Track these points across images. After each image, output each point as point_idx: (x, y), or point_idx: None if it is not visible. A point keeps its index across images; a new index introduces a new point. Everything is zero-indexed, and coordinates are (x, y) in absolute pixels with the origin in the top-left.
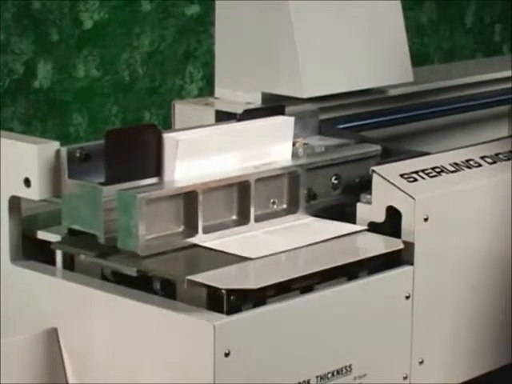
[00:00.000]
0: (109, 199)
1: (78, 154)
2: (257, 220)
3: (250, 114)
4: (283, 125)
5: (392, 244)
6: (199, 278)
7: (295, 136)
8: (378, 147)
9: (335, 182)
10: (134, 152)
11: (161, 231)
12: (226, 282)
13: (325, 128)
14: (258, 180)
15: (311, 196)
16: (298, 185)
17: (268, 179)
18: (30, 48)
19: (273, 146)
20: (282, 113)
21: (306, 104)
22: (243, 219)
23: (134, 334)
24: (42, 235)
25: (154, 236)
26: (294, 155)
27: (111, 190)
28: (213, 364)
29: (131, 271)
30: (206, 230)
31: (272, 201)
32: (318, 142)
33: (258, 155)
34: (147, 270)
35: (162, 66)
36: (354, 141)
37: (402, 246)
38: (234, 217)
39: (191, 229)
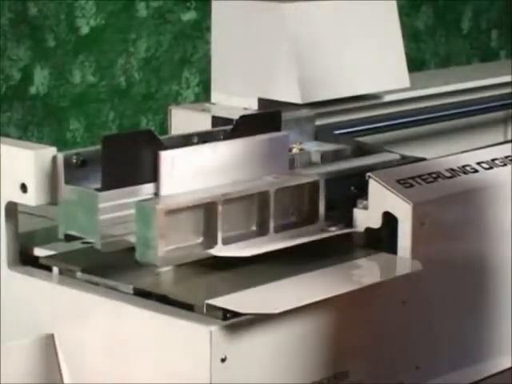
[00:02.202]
0: (106, 205)
1: (74, 160)
2: (276, 230)
3: (246, 119)
4: (279, 140)
5: (408, 265)
6: (217, 302)
7: (292, 141)
8: (397, 156)
9: (355, 191)
10: (131, 158)
11: (180, 242)
12: (246, 307)
13: (322, 133)
14: (278, 190)
15: (331, 206)
16: (318, 194)
17: (287, 189)
18: (27, 54)
19: (269, 161)
20: (279, 118)
21: (303, 109)
22: (263, 230)
23: (131, 340)
24: (38, 252)
25: (173, 247)
26: (306, 164)
27: (107, 196)
28: (209, 369)
29: (127, 288)
30: (226, 241)
31: (292, 211)
32: (315, 147)
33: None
34: (144, 287)
35: (158, 72)
36: (351, 146)
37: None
38: (254, 227)
39: (210, 240)
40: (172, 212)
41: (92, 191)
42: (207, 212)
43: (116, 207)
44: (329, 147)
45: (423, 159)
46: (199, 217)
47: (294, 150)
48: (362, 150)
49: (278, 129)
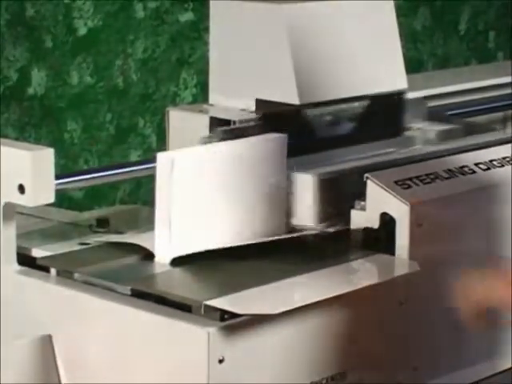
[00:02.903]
0: None
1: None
2: None
3: (372, 101)
4: (277, 141)
5: (406, 266)
6: (215, 303)
7: (409, 122)
8: (509, 134)
9: None
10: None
11: (331, 209)
12: (244, 307)
13: (433, 114)
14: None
15: None
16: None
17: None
18: (24, 55)
19: (267, 162)
20: (402, 100)
21: (414, 92)
22: None
23: (128, 341)
24: (36, 253)
25: (326, 214)
26: (425, 142)
27: None
28: (207, 370)
29: (125, 290)
30: None
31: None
32: (430, 127)
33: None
34: (141, 288)
35: (155, 73)
36: (463, 126)
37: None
38: None
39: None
40: (325, 180)
41: None
42: (353, 181)
43: None
44: (443, 127)
45: None
46: (347, 185)
47: (412, 130)
48: (473, 130)
49: (401, 110)
